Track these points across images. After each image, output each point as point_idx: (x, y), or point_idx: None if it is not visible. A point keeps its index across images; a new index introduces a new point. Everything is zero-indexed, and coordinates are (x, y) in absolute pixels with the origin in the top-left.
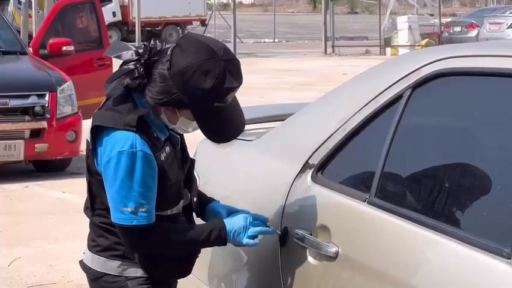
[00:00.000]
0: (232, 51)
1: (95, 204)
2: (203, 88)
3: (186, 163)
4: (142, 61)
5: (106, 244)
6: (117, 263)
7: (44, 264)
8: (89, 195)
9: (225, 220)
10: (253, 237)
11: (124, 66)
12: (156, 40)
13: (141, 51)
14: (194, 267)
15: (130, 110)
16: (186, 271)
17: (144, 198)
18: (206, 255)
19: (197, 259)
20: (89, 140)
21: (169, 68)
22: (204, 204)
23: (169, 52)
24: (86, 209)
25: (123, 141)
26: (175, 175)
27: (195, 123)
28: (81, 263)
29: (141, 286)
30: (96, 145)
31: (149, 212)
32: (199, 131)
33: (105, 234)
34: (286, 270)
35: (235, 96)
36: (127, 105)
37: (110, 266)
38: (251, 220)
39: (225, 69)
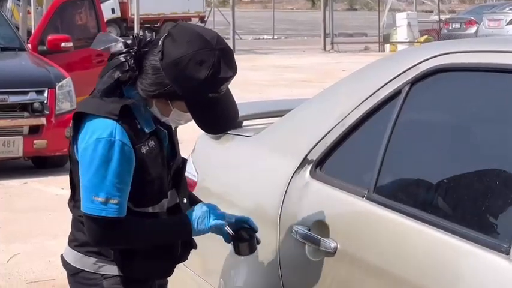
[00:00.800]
0: (232, 48)
1: (75, 196)
2: (198, 78)
3: (174, 161)
4: (132, 53)
5: (83, 239)
6: (93, 259)
7: (42, 260)
8: (70, 186)
9: (187, 212)
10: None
11: (113, 59)
12: (146, 31)
13: (129, 42)
14: (193, 263)
15: (115, 99)
16: (164, 271)
17: (116, 189)
18: (205, 250)
19: (195, 254)
20: (71, 127)
21: (162, 59)
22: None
23: (160, 43)
24: (68, 202)
25: (102, 129)
26: (156, 171)
27: (188, 115)
28: (61, 257)
29: (118, 286)
30: (78, 132)
31: (120, 204)
32: (193, 127)
33: (82, 229)
34: (284, 265)
35: (228, 87)
36: (113, 94)
37: (86, 262)
38: (212, 209)
39: (219, 58)
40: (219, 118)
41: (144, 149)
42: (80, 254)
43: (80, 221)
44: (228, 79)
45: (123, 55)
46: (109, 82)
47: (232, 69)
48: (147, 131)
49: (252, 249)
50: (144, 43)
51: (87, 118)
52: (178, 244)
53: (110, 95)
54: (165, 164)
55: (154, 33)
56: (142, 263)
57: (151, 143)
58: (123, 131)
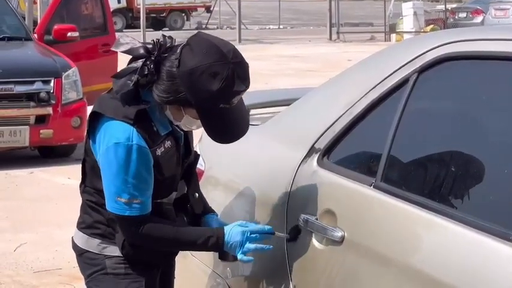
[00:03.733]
0: (237, 38)
1: (85, 182)
2: (210, 90)
3: (188, 158)
4: (152, 58)
5: (89, 222)
6: (97, 241)
7: (49, 249)
8: (82, 172)
9: (225, 229)
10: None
11: (133, 63)
12: (166, 37)
13: (150, 47)
14: (200, 252)
15: (132, 103)
16: (164, 256)
17: (137, 190)
18: None
19: None
20: (88, 122)
21: (178, 67)
22: (203, 213)
23: (178, 50)
24: (79, 186)
25: (120, 133)
26: (170, 170)
27: (199, 122)
28: (72, 239)
29: (118, 265)
30: (95, 130)
31: (143, 203)
32: None
33: (89, 212)
34: (292, 254)
35: (241, 98)
36: (131, 97)
37: (90, 244)
38: (248, 235)
39: (233, 72)
40: (228, 128)
41: (159, 151)
42: (86, 236)
43: (88, 205)
44: (240, 93)
45: (141, 60)
46: (128, 86)
47: (246, 82)
48: (162, 133)
49: (236, 258)
50: (164, 49)
51: (105, 119)
52: None
53: (128, 98)
54: (179, 162)
55: (174, 39)
56: (141, 247)
57: (168, 143)
58: (139, 134)
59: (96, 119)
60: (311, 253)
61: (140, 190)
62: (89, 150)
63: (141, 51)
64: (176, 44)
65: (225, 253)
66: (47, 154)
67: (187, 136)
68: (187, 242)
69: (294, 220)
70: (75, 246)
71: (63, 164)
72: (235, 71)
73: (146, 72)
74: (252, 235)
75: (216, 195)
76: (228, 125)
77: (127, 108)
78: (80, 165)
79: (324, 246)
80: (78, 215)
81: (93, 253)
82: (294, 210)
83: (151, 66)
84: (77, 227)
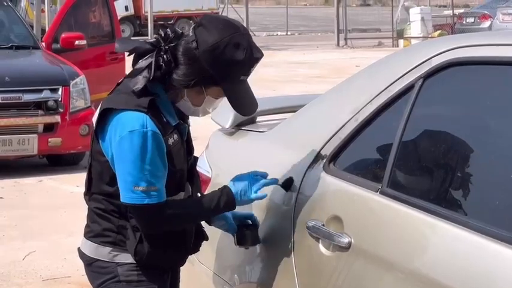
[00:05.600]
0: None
1: (91, 189)
2: (237, 60)
3: (190, 156)
4: (164, 48)
5: (98, 230)
6: (108, 249)
7: (58, 257)
8: (87, 179)
9: (228, 184)
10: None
11: (141, 61)
12: (166, 29)
13: (154, 41)
14: (207, 258)
15: (141, 94)
16: (176, 260)
17: (154, 177)
18: (219, 246)
19: (210, 250)
20: (96, 123)
21: (197, 48)
22: None
23: (191, 33)
24: (84, 195)
25: (133, 120)
26: (179, 163)
27: (217, 102)
28: (78, 249)
29: (131, 272)
30: (104, 128)
31: (160, 191)
32: (206, 124)
33: (98, 220)
34: (299, 261)
35: None
36: (141, 91)
37: (101, 252)
38: (253, 176)
39: (249, 41)
40: (251, 99)
41: (170, 141)
42: (95, 244)
43: (96, 213)
44: (259, 60)
45: (150, 54)
46: (146, 80)
47: (260, 51)
48: (172, 123)
49: (255, 241)
50: (171, 39)
51: (114, 113)
52: (191, 233)
53: (139, 92)
54: (185, 158)
55: (176, 29)
56: (154, 251)
57: (175, 136)
58: (153, 121)
59: (105, 116)
60: (318, 259)
61: (157, 177)
62: (97, 153)
63: (148, 46)
64: (180, 32)
65: (243, 237)
66: (55, 162)
67: (188, 134)
68: (202, 212)
69: (301, 226)
70: (83, 256)
71: (72, 172)
72: (249, 40)
73: (161, 63)
74: (256, 176)
75: None
76: (249, 96)
77: (138, 99)
78: None
79: (330, 252)
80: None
81: (103, 261)
82: (301, 216)
83: (166, 56)
84: (84, 236)
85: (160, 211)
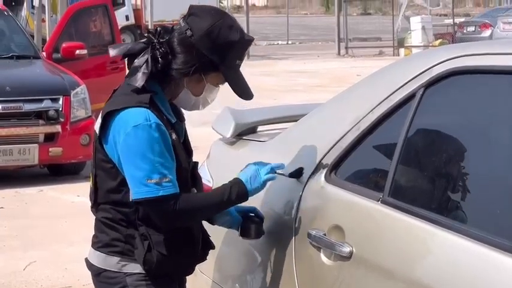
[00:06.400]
0: (246, 53)
1: (98, 199)
2: (233, 40)
3: (190, 158)
4: (159, 41)
5: (106, 240)
6: (116, 259)
7: (59, 267)
8: (93, 190)
9: (237, 175)
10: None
11: (137, 59)
12: (156, 27)
13: (145, 40)
14: (209, 268)
15: (140, 92)
16: (185, 269)
17: (165, 168)
18: (220, 256)
19: (211, 260)
20: (97, 129)
21: (192, 35)
22: None
23: (183, 23)
24: (91, 207)
25: (136, 116)
26: (183, 160)
27: (217, 90)
28: (86, 260)
29: (140, 282)
30: (107, 130)
31: (173, 181)
32: (208, 135)
33: (106, 230)
34: (300, 270)
35: None
36: (136, 89)
37: (109, 262)
38: (259, 163)
39: (239, 25)
40: (247, 84)
41: (173, 136)
42: (103, 255)
43: (103, 222)
44: (251, 42)
45: (145, 51)
46: (145, 77)
47: (250, 35)
48: (172, 121)
49: (259, 233)
50: (162, 34)
51: (115, 114)
52: (199, 240)
53: (137, 90)
54: (186, 158)
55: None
56: (163, 259)
57: (174, 135)
58: (155, 115)
59: (106, 123)
60: (319, 269)
61: (168, 168)
62: (101, 161)
63: (141, 44)
64: (170, 26)
65: (247, 229)
66: (56, 172)
67: (185, 136)
68: (216, 204)
69: (302, 235)
70: (91, 267)
71: (73, 181)
72: (239, 24)
73: (158, 56)
74: (263, 162)
75: None
76: (246, 83)
77: (138, 96)
78: (89, 182)
79: (332, 262)
80: (88, 232)
81: (112, 271)
82: (302, 225)
83: (162, 48)
84: (92, 246)
85: (175, 202)
